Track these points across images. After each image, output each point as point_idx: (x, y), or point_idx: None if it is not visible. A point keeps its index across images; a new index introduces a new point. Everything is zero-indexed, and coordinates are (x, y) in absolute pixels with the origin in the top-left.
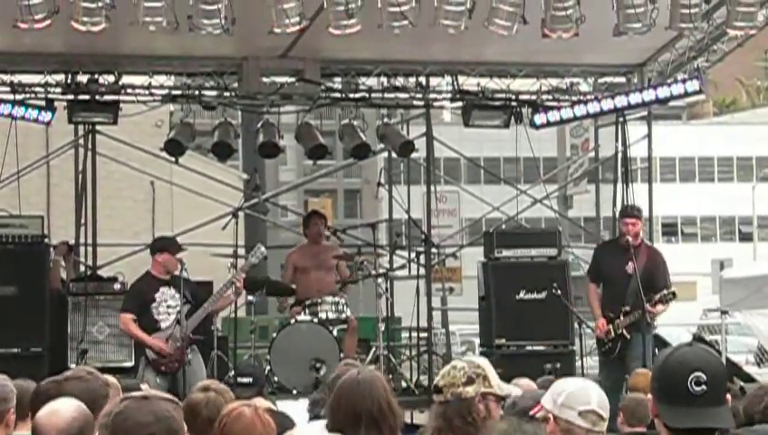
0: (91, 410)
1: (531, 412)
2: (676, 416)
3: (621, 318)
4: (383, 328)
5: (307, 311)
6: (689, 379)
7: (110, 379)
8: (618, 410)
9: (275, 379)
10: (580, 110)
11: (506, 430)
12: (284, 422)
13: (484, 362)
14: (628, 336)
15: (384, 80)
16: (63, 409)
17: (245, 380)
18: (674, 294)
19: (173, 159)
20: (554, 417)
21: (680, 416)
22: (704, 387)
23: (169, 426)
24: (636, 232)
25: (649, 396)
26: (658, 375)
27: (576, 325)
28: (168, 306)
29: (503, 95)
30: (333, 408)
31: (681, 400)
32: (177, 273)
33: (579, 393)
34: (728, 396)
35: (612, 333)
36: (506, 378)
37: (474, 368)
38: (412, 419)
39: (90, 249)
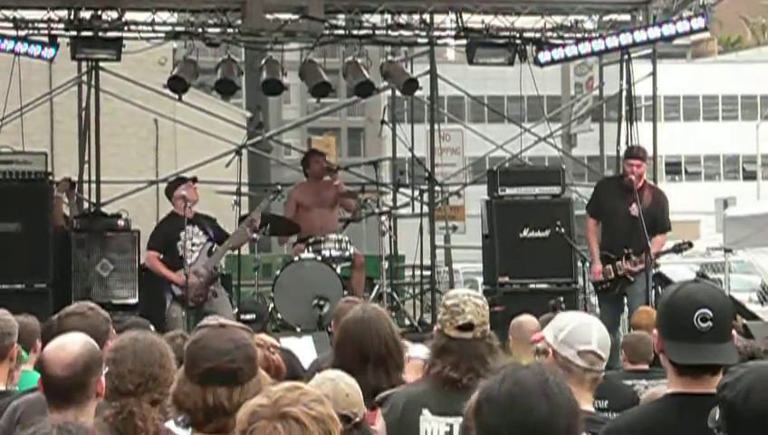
0: None
1: (531, 339)
2: (682, 352)
3: (623, 261)
4: (386, 266)
5: (310, 248)
6: (695, 315)
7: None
8: (619, 347)
9: (279, 316)
10: (584, 47)
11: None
12: (290, 360)
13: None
14: (632, 279)
15: (388, 17)
16: (70, 343)
17: (249, 316)
18: (690, 244)
19: (176, 96)
20: (553, 351)
21: (685, 352)
22: (709, 323)
23: (248, 353)
24: (640, 174)
25: (654, 332)
26: (664, 311)
27: (579, 263)
28: (194, 244)
29: (507, 33)
30: (339, 346)
31: (687, 336)
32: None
33: (580, 331)
34: (734, 333)
35: (612, 274)
36: (510, 316)
37: (487, 306)
38: None
39: (93, 186)
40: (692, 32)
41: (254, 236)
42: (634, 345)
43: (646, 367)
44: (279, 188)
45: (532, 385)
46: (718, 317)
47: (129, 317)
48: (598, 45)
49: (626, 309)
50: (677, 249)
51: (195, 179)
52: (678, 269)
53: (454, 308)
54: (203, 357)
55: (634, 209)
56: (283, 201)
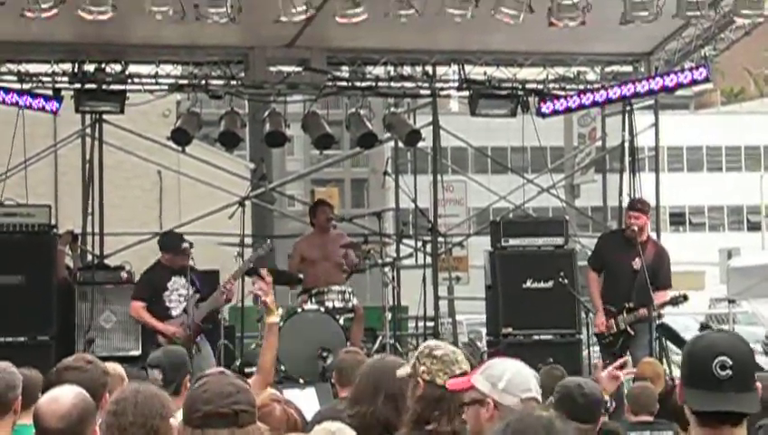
0: None
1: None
2: (701, 400)
3: (625, 314)
4: (390, 317)
5: (313, 300)
6: (714, 363)
7: (115, 367)
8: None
9: (282, 368)
10: (587, 98)
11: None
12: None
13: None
14: (632, 332)
15: (391, 69)
16: (64, 396)
17: (252, 369)
18: (685, 297)
19: (180, 148)
20: (494, 402)
21: (705, 400)
22: (729, 372)
23: (249, 398)
24: (639, 225)
25: (678, 382)
26: (686, 360)
27: (583, 314)
28: (180, 295)
29: (509, 84)
30: (360, 384)
31: (706, 384)
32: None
33: (520, 379)
34: (758, 384)
35: (615, 329)
36: None
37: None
38: None
39: (97, 238)
40: (694, 83)
41: (227, 300)
42: (636, 396)
43: (650, 419)
44: (270, 245)
45: (538, 429)
46: (738, 366)
47: (131, 368)
48: (600, 96)
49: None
50: (674, 302)
51: (191, 245)
52: (682, 320)
53: (446, 358)
54: (204, 400)
55: (637, 263)
56: (286, 253)
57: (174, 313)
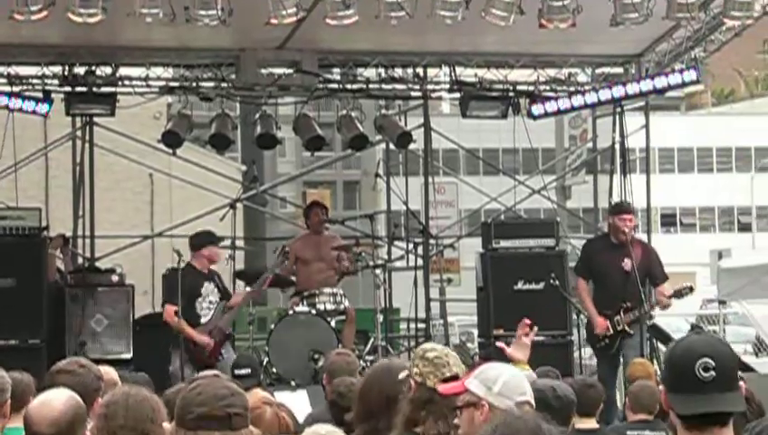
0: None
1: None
2: (686, 403)
3: (622, 315)
4: (381, 319)
5: (305, 302)
6: (696, 365)
7: (109, 370)
8: (615, 401)
9: (274, 370)
10: (577, 100)
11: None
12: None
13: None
14: (631, 332)
15: (382, 71)
16: (55, 400)
17: (243, 371)
18: (691, 288)
19: (171, 150)
20: (489, 405)
21: (690, 403)
22: (712, 373)
23: (243, 401)
24: (632, 227)
25: (661, 388)
26: (667, 365)
27: (574, 316)
28: (211, 302)
29: (500, 86)
30: (364, 393)
31: (690, 387)
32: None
33: (515, 383)
34: (741, 383)
35: (611, 331)
36: None
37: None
38: None
39: (88, 241)
40: (684, 84)
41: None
42: (636, 395)
43: (650, 417)
44: (287, 250)
45: (525, 433)
46: (721, 366)
47: (123, 371)
48: (591, 98)
49: (621, 362)
50: (679, 295)
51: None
52: (673, 321)
53: (437, 360)
54: (198, 403)
55: (627, 264)
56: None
57: (203, 320)
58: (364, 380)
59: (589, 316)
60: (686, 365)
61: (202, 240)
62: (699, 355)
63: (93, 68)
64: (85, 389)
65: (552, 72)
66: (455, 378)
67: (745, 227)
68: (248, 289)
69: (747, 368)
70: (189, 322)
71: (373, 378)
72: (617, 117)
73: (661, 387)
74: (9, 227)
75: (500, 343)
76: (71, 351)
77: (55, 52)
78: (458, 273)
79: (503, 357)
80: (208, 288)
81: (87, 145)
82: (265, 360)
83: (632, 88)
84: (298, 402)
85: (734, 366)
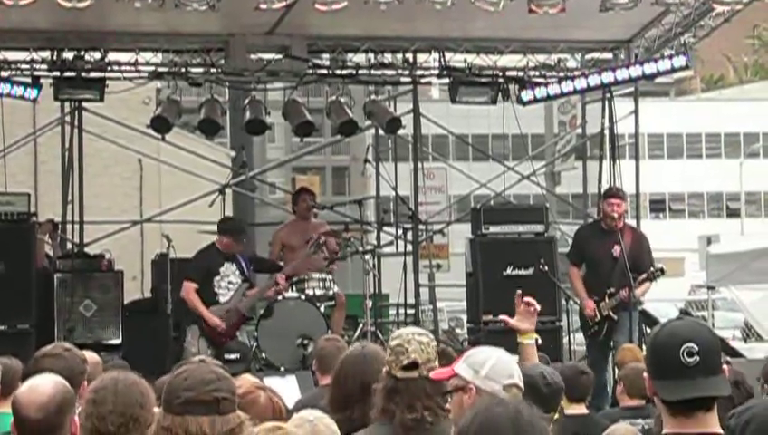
0: None
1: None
2: (671, 389)
3: (606, 300)
4: (370, 305)
5: (294, 287)
6: (680, 350)
7: (91, 355)
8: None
9: (263, 355)
10: (567, 86)
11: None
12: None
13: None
14: (616, 317)
15: (371, 56)
16: (43, 385)
17: (232, 356)
18: (662, 270)
19: (160, 136)
20: (476, 388)
21: (675, 388)
22: (696, 358)
23: (230, 385)
24: (620, 212)
25: (645, 375)
26: (651, 351)
27: (563, 301)
28: (230, 282)
29: (490, 72)
30: (339, 381)
31: (674, 372)
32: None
33: (502, 366)
34: (725, 367)
35: (598, 316)
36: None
37: (433, 342)
38: None
39: (77, 227)
40: (673, 70)
41: (276, 293)
42: (632, 379)
43: (642, 403)
44: (321, 241)
45: (504, 420)
46: (705, 351)
47: (110, 357)
48: (580, 84)
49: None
50: (651, 277)
51: (245, 236)
52: (662, 307)
53: (398, 348)
54: (185, 387)
55: (616, 250)
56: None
57: (221, 299)
58: (338, 367)
59: (580, 301)
60: (670, 351)
61: (223, 227)
62: (683, 340)
63: (82, 53)
64: (71, 372)
65: (541, 57)
66: (413, 365)
67: (734, 213)
68: (263, 287)
69: (736, 353)
70: (204, 299)
71: (347, 365)
72: (606, 103)
73: (645, 374)
74: None
75: (504, 317)
76: (60, 336)
77: (44, 37)
78: (447, 258)
79: (491, 342)
80: (229, 268)
81: (76, 130)
82: (254, 345)
83: (621, 74)
84: (287, 388)
85: (718, 350)
